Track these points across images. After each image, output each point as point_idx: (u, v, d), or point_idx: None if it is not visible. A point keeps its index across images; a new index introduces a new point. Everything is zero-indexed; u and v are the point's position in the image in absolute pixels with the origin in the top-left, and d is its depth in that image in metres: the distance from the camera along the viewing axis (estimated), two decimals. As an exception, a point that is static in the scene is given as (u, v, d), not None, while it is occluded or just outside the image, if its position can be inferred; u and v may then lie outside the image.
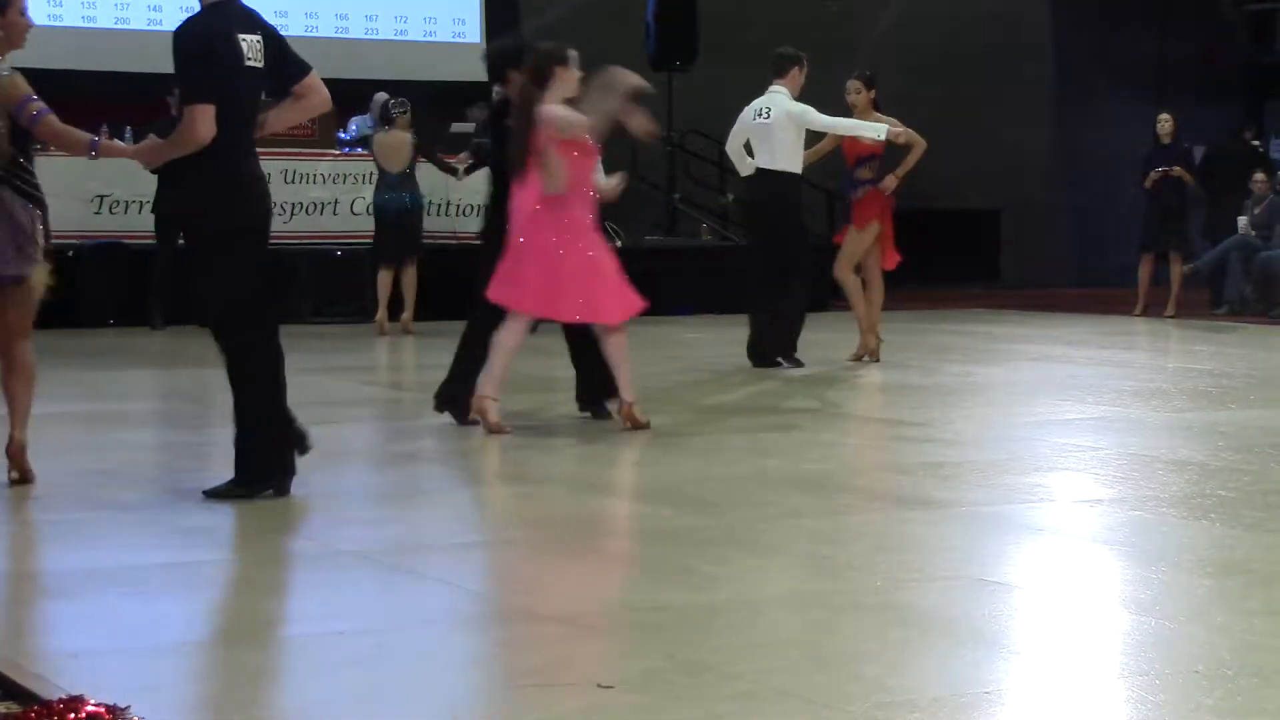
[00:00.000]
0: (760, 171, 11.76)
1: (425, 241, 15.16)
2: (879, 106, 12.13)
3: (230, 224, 6.62)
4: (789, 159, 11.63)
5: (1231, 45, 23.31)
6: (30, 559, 5.77)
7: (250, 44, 6.69)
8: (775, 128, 11.59)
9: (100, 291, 15.27)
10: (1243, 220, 17.96)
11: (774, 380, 11.20)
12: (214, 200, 6.64)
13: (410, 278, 14.78)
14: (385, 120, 14.92)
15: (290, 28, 17.45)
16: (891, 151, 12.01)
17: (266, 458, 6.69)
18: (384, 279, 14.80)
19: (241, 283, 6.65)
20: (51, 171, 14.85)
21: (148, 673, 4.40)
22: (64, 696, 3.78)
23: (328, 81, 6.91)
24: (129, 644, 4.70)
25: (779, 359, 11.74)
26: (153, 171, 12.52)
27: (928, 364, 12.38)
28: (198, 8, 6.73)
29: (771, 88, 11.75)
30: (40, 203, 6.92)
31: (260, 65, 6.73)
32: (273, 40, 6.80)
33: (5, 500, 6.76)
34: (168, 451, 8.26)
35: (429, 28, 19.55)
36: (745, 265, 12.54)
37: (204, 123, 6.54)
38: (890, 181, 11.99)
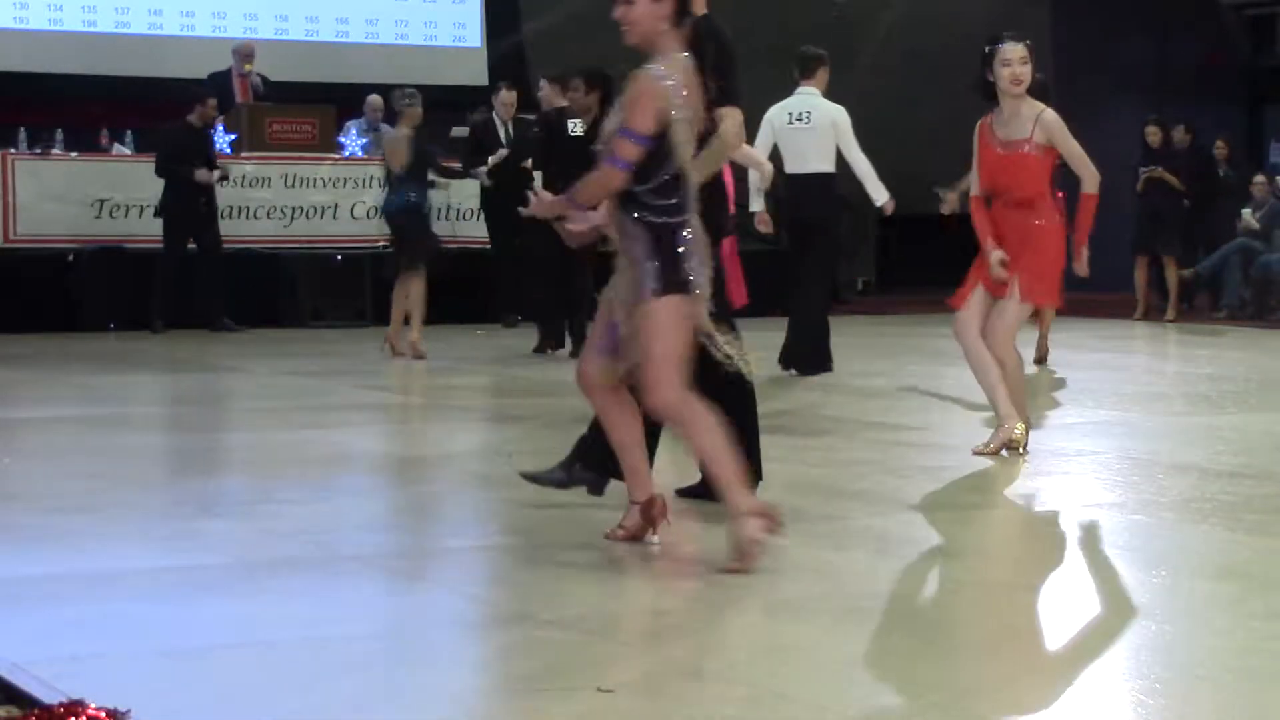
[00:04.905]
0: (800, 177, 11.56)
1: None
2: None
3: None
4: (829, 161, 11.51)
5: (1231, 50, 23.30)
6: (31, 562, 5.77)
7: None
8: (819, 131, 11.44)
9: (100, 296, 15.31)
10: (1246, 212, 18.07)
11: (771, 385, 11.20)
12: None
13: (415, 289, 12.91)
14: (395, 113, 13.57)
15: (291, 32, 17.26)
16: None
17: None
18: (396, 291, 13.10)
19: None
20: (51, 175, 15.10)
21: (149, 677, 4.40)
22: (65, 701, 3.78)
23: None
24: (130, 648, 4.71)
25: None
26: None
27: (926, 368, 12.38)
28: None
29: (801, 89, 11.60)
30: None
31: None
32: None
33: (5, 504, 6.78)
34: (168, 455, 8.26)
35: (429, 32, 19.55)
36: (793, 272, 12.07)
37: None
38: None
